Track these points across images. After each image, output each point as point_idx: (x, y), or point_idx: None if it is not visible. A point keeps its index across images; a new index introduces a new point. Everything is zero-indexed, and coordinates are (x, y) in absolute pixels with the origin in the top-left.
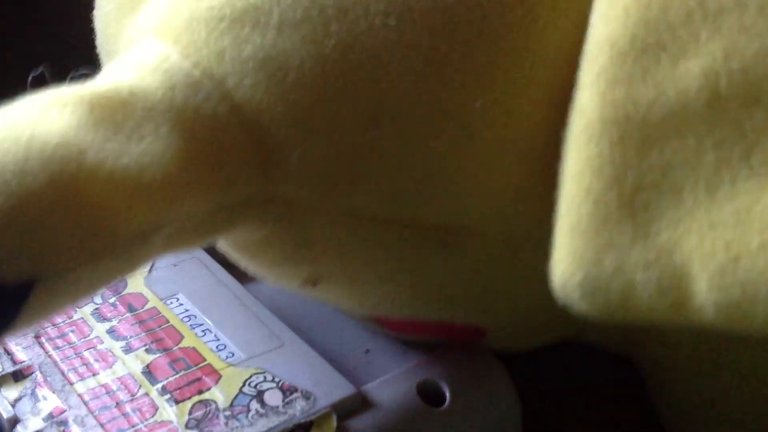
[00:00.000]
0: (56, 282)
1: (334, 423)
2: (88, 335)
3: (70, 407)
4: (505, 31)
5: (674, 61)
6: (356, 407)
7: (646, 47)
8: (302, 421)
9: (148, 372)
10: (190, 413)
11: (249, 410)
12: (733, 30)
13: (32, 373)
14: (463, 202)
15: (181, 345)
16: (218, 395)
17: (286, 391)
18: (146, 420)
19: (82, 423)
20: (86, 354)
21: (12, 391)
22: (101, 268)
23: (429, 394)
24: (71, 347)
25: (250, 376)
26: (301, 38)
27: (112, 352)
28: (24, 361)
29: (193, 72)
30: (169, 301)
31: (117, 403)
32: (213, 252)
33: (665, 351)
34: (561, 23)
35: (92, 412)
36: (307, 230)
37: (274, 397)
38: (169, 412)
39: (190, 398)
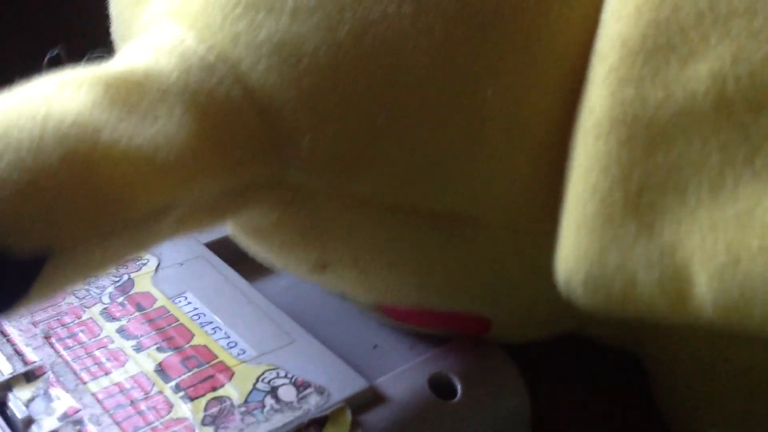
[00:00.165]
0: (68, 258)
1: (348, 417)
2: (99, 335)
3: (84, 406)
4: (517, 21)
5: (683, 63)
6: (369, 401)
7: (657, 48)
8: (317, 415)
9: (161, 370)
10: (205, 410)
11: (264, 406)
12: (742, 34)
13: (44, 373)
14: (471, 190)
15: (192, 343)
16: (232, 392)
17: (300, 386)
18: (162, 417)
19: (97, 422)
20: (97, 353)
21: (25, 392)
22: (112, 246)
23: (440, 388)
24: (82, 347)
25: (263, 373)
26: (315, 24)
27: (124, 351)
28: (35, 362)
29: (208, 55)
30: (177, 300)
31: (131, 402)
32: (219, 250)
33: (668, 346)
34: (572, 17)
35: (107, 411)
36: (317, 215)
37: (288, 393)
38: (184, 409)
39: (204, 395)
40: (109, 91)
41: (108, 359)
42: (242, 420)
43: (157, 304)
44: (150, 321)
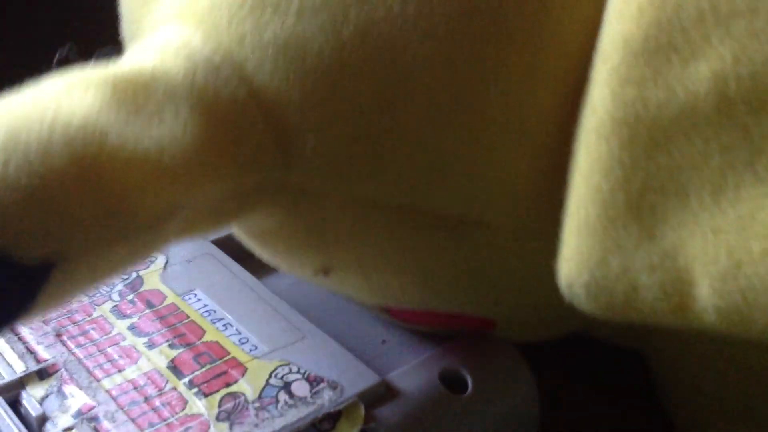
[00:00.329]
0: (75, 264)
1: (362, 412)
2: (110, 332)
3: (99, 403)
4: (519, 21)
5: (685, 63)
6: (381, 396)
7: (659, 48)
8: (331, 410)
9: (174, 367)
10: (219, 406)
11: (278, 401)
12: (743, 34)
13: (57, 370)
14: (475, 192)
15: (204, 339)
16: (246, 387)
17: (313, 381)
18: (177, 413)
19: (112, 418)
20: (110, 350)
21: (38, 390)
22: (119, 251)
23: (452, 382)
24: (94, 344)
25: (276, 368)
26: (320, 24)
27: (136, 348)
28: (48, 360)
29: (214, 56)
30: (187, 297)
31: (146, 398)
32: (226, 247)
33: (673, 345)
34: (575, 17)
35: (122, 408)
36: (321, 217)
37: (301, 388)
38: (198, 405)
39: (218, 391)
40: (116, 93)
41: (120, 356)
42: (257, 415)
43: (167, 301)
44: (161, 318)
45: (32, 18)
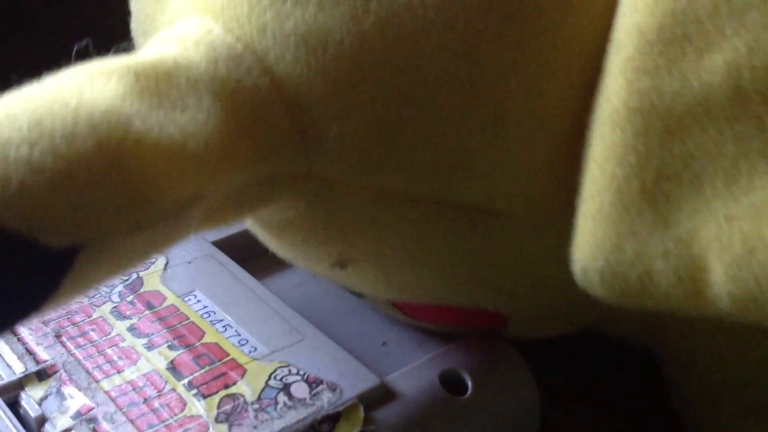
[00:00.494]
0: (98, 251)
1: (361, 414)
2: (110, 333)
3: (98, 404)
4: (539, 12)
5: (699, 54)
6: (381, 398)
7: (673, 38)
8: (330, 412)
9: (173, 368)
10: (218, 407)
11: (277, 403)
12: (757, 26)
13: (56, 371)
14: (493, 181)
15: (203, 341)
16: (245, 389)
17: (312, 383)
18: (176, 415)
19: (111, 420)
20: (109, 351)
21: (37, 390)
22: (142, 239)
23: (451, 384)
24: (93, 345)
25: (275, 370)
26: (341, 14)
27: (135, 349)
28: (47, 360)
29: (236, 46)
30: (186, 298)
31: (145, 399)
32: (226, 249)
33: (686, 340)
34: (592, 8)
35: (121, 409)
36: (341, 208)
37: (300, 390)
38: (197, 406)
39: (217, 392)
40: (139, 81)
41: (120, 357)
42: (256, 417)
43: (166, 303)
44: (160, 319)
45: (47, 13)
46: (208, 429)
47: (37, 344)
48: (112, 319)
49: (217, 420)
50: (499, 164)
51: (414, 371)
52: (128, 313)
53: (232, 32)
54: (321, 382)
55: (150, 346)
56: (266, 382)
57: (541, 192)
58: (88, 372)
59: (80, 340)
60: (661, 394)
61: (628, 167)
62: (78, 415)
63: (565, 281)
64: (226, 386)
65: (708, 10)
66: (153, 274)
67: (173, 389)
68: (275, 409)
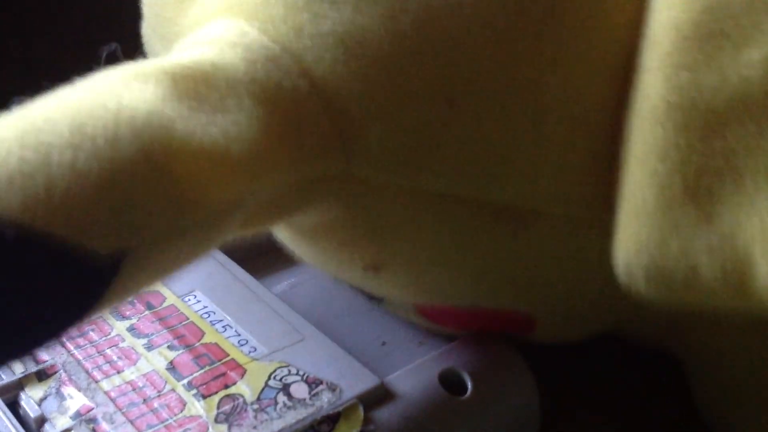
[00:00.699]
0: (145, 256)
1: (361, 414)
2: (109, 333)
3: (97, 405)
4: (574, 10)
5: (737, 49)
6: (380, 398)
7: (710, 34)
8: (330, 412)
9: (173, 368)
10: (218, 407)
11: (277, 403)
12: None
13: (56, 372)
14: (533, 180)
15: (203, 341)
16: (245, 389)
17: (312, 383)
18: (175, 415)
19: (111, 420)
20: (109, 352)
21: (37, 391)
22: (187, 243)
23: (451, 384)
24: (93, 346)
25: (275, 370)
26: (379, 14)
27: (135, 350)
28: (47, 361)
29: (273, 47)
30: (186, 298)
31: (144, 400)
32: (227, 248)
33: (714, 339)
34: (625, 5)
35: (120, 409)
36: (380, 210)
37: (300, 390)
38: (197, 406)
39: (216, 393)
40: (178, 85)
41: (119, 358)
42: (255, 417)
43: (166, 303)
44: (160, 319)
45: (74, 19)
46: (208, 429)
47: None
48: (111, 319)
49: (216, 420)
50: (538, 163)
51: (414, 371)
52: (128, 313)
53: (268, 34)
54: (320, 383)
55: (150, 347)
56: (266, 383)
57: (577, 190)
58: (87, 372)
59: (80, 341)
60: (662, 395)
61: (669, 163)
62: (77, 415)
63: (600, 281)
64: (226, 386)
65: (744, 6)
66: None
67: (173, 389)
68: (275, 409)
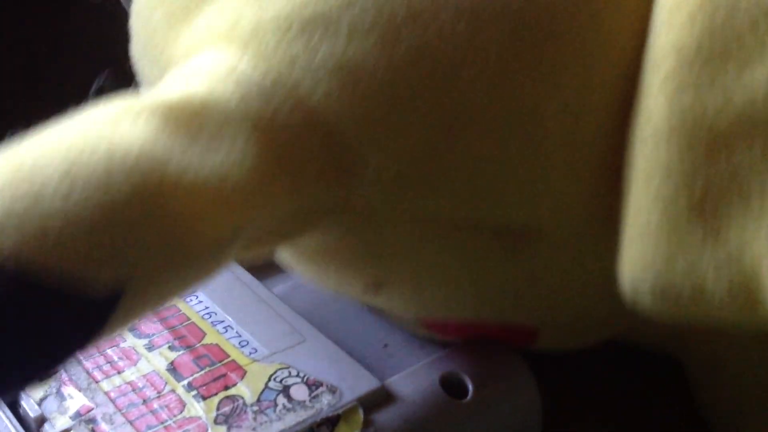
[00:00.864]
0: (141, 292)
1: (360, 416)
2: None
3: (97, 405)
4: (572, 34)
5: (740, 69)
6: (381, 400)
7: (713, 54)
8: (330, 415)
9: (173, 369)
10: (218, 408)
11: (276, 405)
12: None
13: (56, 372)
14: (534, 203)
15: (203, 342)
16: (245, 391)
17: (312, 385)
18: (175, 416)
19: (110, 420)
20: (109, 352)
21: (37, 391)
22: (183, 276)
23: (452, 387)
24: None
25: (275, 372)
26: (372, 44)
27: (136, 350)
28: None
29: (265, 81)
30: (188, 299)
31: (144, 401)
32: None
33: (715, 345)
34: (624, 28)
35: (120, 410)
36: (380, 235)
37: (300, 392)
38: (197, 408)
39: (216, 394)
40: (169, 122)
41: (120, 358)
42: (255, 419)
43: (168, 303)
44: (161, 320)
45: (72, 44)
46: (207, 430)
47: None
48: None
49: (216, 421)
50: (537, 187)
51: (415, 374)
52: None
53: (259, 66)
54: (321, 385)
55: (150, 347)
56: (266, 384)
57: (577, 211)
58: (87, 372)
59: None
60: (662, 396)
61: (673, 184)
62: (77, 415)
63: (603, 294)
64: (226, 388)
65: (747, 26)
66: None
67: (173, 390)
68: (274, 411)
